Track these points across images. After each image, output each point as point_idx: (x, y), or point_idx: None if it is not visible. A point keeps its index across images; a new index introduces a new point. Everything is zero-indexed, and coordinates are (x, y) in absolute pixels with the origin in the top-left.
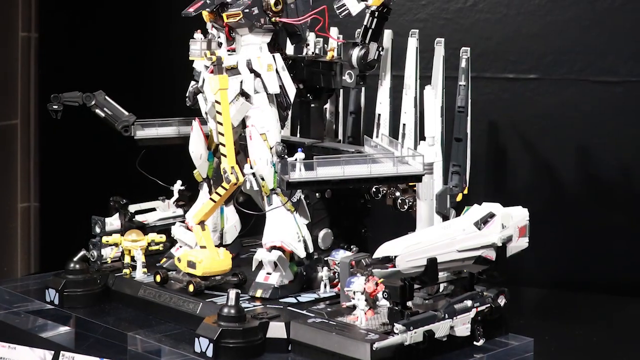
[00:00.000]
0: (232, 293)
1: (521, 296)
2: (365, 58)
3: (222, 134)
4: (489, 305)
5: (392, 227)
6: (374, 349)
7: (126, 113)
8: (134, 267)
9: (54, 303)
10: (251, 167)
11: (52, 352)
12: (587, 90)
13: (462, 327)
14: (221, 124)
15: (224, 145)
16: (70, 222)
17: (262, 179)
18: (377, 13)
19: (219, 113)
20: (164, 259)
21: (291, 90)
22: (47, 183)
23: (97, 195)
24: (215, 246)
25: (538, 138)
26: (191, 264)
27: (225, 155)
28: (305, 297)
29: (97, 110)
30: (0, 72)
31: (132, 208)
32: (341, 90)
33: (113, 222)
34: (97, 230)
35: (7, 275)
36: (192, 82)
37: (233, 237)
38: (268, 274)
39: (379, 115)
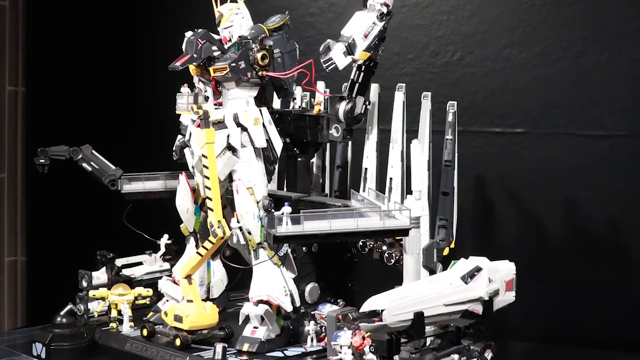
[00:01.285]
0: (219, 347)
1: (508, 350)
2: (352, 112)
3: (209, 188)
4: (475, 359)
5: (379, 281)
6: None
7: (113, 167)
8: (120, 321)
9: (40, 357)
10: (238, 221)
11: None
12: (573, 144)
13: None
14: (208, 177)
15: (210, 199)
16: (57, 276)
17: (249, 232)
18: (364, 67)
19: (206, 167)
20: (151, 313)
21: (278, 144)
22: (34, 237)
23: (84, 249)
24: (202, 300)
25: (525, 192)
26: (178, 318)
27: (212, 209)
28: (292, 351)
29: (84, 164)
30: None
31: (119, 262)
32: (328, 144)
33: (100, 276)
34: (84, 284)
35: None
36: (179, 136)
37: (220, 291)
38: (255, 327)
39: (366, 169)
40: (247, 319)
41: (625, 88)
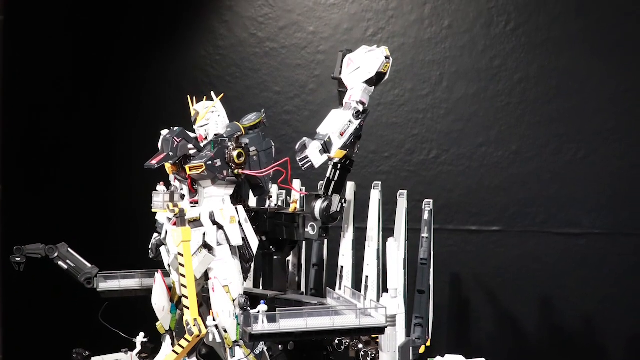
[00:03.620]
0: None
1: None
2: (328, 210)
3: (185, 286)
4: None
5: None
6: None
7: (89, 265)
8: None
9: None
10: (214, 319)
11: None
12: (549, 242)
13: None
14: (184, 276)
15: (186, 297)
16: None
17: (225, 331)
18: (339, 165)
19: (182, 265)
20: None
21: (254, 243)
22: (10, 335)
23: (60, 347)
24: None
25: (501, 290)
26: None
27: (188, 307)
28: None
29: (60, 263)
30: None
31: None
32: (304, 243)
33: None
34: None
35: None
36: (155, 235)
37: None
38: None
39: (342, 267)
40: None
41: (601, 186)
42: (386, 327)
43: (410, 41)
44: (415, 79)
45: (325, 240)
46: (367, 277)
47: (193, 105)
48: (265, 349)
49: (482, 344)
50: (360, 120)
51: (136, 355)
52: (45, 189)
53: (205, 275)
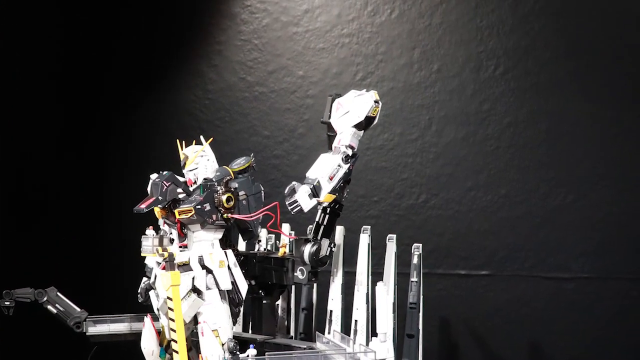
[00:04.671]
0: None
1: None
2: (317, 254)
3: (174, 330)
4: None
5: None
6: None
7: (78, 309)
8: None
9: None
10: None
11: None
12: (538, 286)
13: None
14: (173, 320)
15: (175, 342)
16: None
17: None
18: (329, 209)
19: (171, 309)
20: None
21: (243, 287)
22: None
23: None
24: None
25: (490, 334)
26: None
27: (177, 352)
28: None
29: (49, 307)
30: None
31: None
32: (293, 287)
33: None
34: None
35: None
36: (144, 279)
37: None
38: None
39: (331, 311)
40: None
41: (591, 230)
42: None
43: (399, 85)
44: (404, 123)
45: (315, 285)
46: (356, 321)
47: (182, 150)
48: None
49: None
50: (349, 165)
51: None
52: (34, 232)
53: (195, 320)
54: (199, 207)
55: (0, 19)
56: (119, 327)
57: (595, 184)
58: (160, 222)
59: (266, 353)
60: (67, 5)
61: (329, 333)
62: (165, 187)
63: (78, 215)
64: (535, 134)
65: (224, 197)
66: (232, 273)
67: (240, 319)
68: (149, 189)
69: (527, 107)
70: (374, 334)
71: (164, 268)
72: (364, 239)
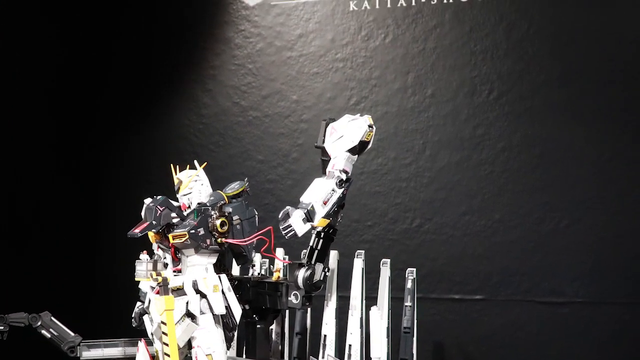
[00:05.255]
0: None
1: None
2: (311, 279)
3: (168, 355)
4: None
5: None
6: None
7: (72, 334)
8: None
9: None
10: None
11: None
12: (533, 311)
13: None
14: (167, 344)
15: None
16: None
17: None
18: (323, 234)
19: (165, 334)
20: None
21: (237, 311)
22: None
23: None
24: None
25: (484, 359)
26: None
27: None
28: None
29: (43, 331)
30: None
31: None
32: (287, 311)
33: None
34: None
35: None
36: (138, 303)
37: None
38: None
39: (325, 336)
40: None
41: (585, 255)
42: None
43: (393, 110)
44: (398, 147)
45: (309, 309)
46: (350, 345)
47: (176, 174)
48: None
49: None
50: (343, 189)
51: None
52: (28, 256)
53: (189, 344)
54: (193, 231)
55: None
56: (112, 351)
57: (588, 208)
58: (154, 246)
59: None
60: (63, 29)
61: (323, 357)
62: (159, 211)
63: (72, 240)
64: (529, 158)
65: (218, 222)
66: (226, 297)
67: (234, 344)
68: (142, 213)
69: (521, 131)
70: (368, 359)
71: (158, 292)
72: (358, 264)
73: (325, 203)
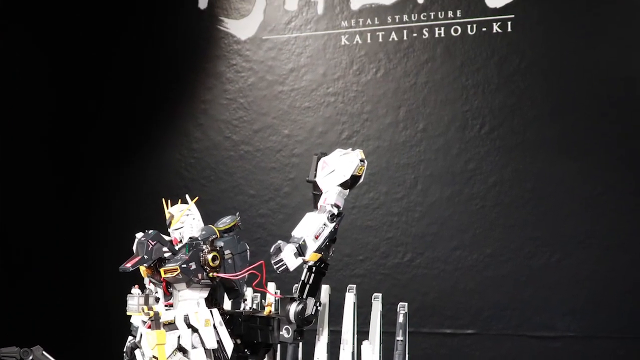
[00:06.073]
0: None
1: None
2: (302, 313)
3: None
4: None
5: None
6: None
7: None
8: None
9: None
10: None
11: None
12: (524, 345)
13: None
14: None
15: None
16: None
17: None
18: (314, 268)
19: None
20: None
21: (228, 345)
22: None
23: None
24: None
25: None
26: None
27: None
28: None
29: None
30: None
31: None
32: (279, 345)
33: None
34: None
35: None
36: (130, 337)
37: None
38: None
39: None
40: None
41: (576, 289)
42: None
43: (385, 144)
44: (390, 182)
45: (300, 343)
46: None
47: (168, 208)
48: None
49: None
50: (335, 224)
51: None
52: (19, 289)
53: None
54: (185, 266)
55: None
56: None
57: (580, 243)
58: (146, 280)
59: None
60: (55, 63)
61: None
62: (150, 246)
63: (64, 273)
64: (521, 193)
65: (209, 256)
66: (217, 332)
67: None
68: (134, 247)
69: (513, 166)
70: None
71: (149, 327)
72: (350, 298)
73: (316, 237)
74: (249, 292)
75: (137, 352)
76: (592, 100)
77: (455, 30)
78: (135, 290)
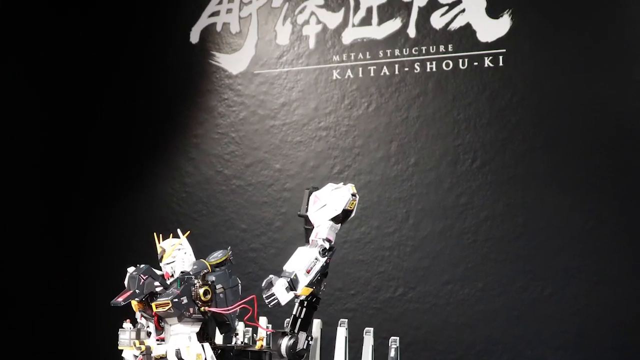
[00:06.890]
0: None
1: None
2: (294, 347)
3: None
4: None
5: None
6: None
7: None
8: None
9: None
10: None
11: None
12: None
13: None
14: None
15: None
16: None
17: None
18: (306, 302)
19: None
20: None
21: None
22: None
23: None
24: None
25: None
26: None
27: None
28: None
29: None
30: None
31: None
32: None
33: None
34: None
35: None
36: None
37: None
38: None
39: None
40: None
41: (568, 324)
42: None
43: (376, 179)
44: (381, 216)
45: None
46: None
47: (159, 243)
48: None
49: None
50: (326, 258)
51: None
52: (10, 323)
53: None
54: (176, 300)
55: None
56: None
57: (572, 277)
58: (138, 315)
59: None
60: (48, 98)
61: None
62: (142, 280)
63: (54, 309)
64: (513, 227)
65: (201, 291)
66: None
67: None
68: (126, 282)
69: (504, 200)
70: None
71: None
72: (341, 332)
73: (308, 272)
74: (240, 326)
75: None
76: (584, 135)
77: (447, 65)
78: (127, 324)
